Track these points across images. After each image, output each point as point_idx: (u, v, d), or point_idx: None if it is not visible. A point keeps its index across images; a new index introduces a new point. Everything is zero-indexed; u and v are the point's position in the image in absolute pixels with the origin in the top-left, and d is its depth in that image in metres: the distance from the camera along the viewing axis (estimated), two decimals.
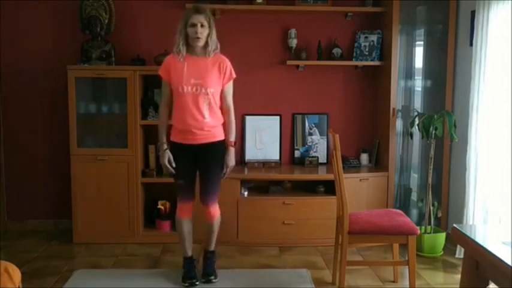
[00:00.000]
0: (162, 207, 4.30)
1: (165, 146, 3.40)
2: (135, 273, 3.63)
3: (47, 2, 4.42)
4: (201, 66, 3.33)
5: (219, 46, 3.38)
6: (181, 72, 3.30)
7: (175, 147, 3.41)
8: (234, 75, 3.43)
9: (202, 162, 3.41)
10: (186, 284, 3.42)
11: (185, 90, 3.28)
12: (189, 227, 3.49)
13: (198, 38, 3.27)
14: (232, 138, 3.46)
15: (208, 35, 3.30)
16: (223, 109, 3.43)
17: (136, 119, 4.15)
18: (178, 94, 3.32)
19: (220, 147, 3.42)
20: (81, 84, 4.17)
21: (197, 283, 3.43)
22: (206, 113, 3.32)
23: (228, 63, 3.39)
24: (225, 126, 3.45)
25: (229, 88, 3.44)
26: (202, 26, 3.26)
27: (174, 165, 3.38)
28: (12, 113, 4.52)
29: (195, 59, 3.34)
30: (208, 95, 3.31)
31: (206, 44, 3.32)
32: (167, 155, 3.39)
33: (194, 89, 3.29)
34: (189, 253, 3.53)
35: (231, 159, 3.44)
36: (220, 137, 3.42)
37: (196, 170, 3.46)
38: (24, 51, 4.46)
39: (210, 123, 3.35)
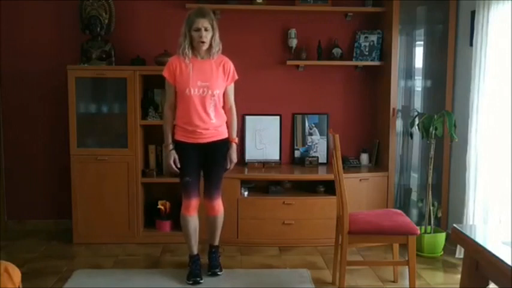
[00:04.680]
0: (162, 207, 4.30)
1: (171, 147, 3.46)
2: (135, 273, 3.63)
3: (47, 2, 4.42)
4: (207, 69, 3.38)
5: (221, 47, 3.42)
6: (188, 75, 3.34)
7: (180, 146, 3.46)
8: (237, 77, 3.50)
9: (208, 159, 3.48)
10: (191, 282, 3.43)
11: (192, 92, 3.34)
12: (196, 224, 3.53)
13: (203, 42, 3.32)
14: (235, 135, 3.57)
15: (212, 37, 3.34)
16: (226, 108, 3.52)
17: (136, 119, 4.15)
18: (184, 96, 3.36)
19: (224, 144, 3.51)
20: (81, 84, 4.17)
21: (201, 281, 3.44)
22: (212, 114, 3.39)
23: (231, 65, 3.47)
24: (228, 124, 3.54)
25: (232, 88, 3.54)
26: (206, 30, 3.31)
27: (179, 165, 3.44)
28: (12, 113, 4.51)
29: (200, 62, 3.39)
30: (214, 96, 3.38)
31: (210, 46, 3.36)
32: (173, 156, 3.45)
33: (201, 91, 3.35)
34: (195, 251, 3.56)
35: (235, 155, 3.55)
36: (225, 135, 3.52)
37: (201, 167, 3.51)
38: (24, 52, 4.45)
39: (215, 124, 3.43)
